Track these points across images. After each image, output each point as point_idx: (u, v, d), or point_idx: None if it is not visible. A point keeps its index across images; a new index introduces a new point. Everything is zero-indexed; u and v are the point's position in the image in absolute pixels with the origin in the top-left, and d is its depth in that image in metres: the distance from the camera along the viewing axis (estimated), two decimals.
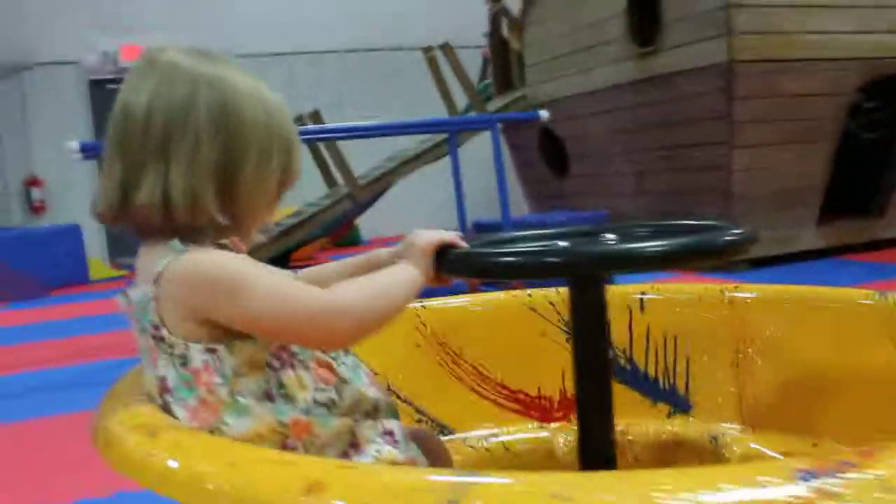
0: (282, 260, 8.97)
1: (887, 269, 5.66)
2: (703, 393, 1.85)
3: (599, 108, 7.26)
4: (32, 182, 11.37)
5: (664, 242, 1.20)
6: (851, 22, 6.06)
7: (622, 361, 1.88)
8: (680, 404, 1.87)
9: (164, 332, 1.11)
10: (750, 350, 1.77)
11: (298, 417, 1.15)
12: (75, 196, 11.52)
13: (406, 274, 1.26)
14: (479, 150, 9.33)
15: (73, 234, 9.10)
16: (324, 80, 12.43)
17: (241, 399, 1.13)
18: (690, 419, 1.85)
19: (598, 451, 1.41)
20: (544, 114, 5.97)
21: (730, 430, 1.79)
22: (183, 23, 11.91)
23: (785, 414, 1.75)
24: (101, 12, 11.68)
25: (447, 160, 6.86)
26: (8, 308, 7.44)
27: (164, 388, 1.13)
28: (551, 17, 7.88)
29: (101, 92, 11.73)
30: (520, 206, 9.44)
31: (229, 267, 1.11)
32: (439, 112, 9.22)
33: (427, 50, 8.53)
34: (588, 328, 1.40)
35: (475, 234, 7.31)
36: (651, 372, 1.88)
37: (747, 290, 1.81)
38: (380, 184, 7.79)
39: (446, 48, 8.30)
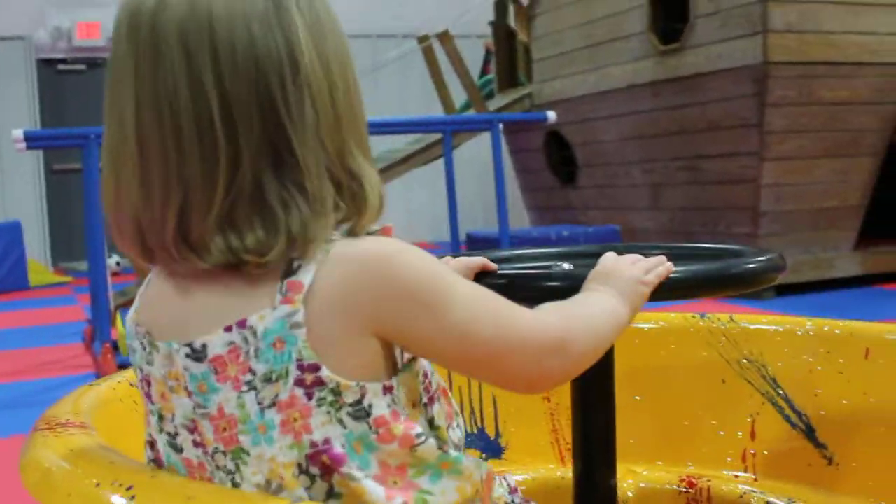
0: None
1: None
2: (515, 434, 1.84)
3: (614, 111, 7.28)
4: None
5: (679, 269, 1.21)
6: None
7: None
8: (491, 449, 1.85)
9: (325, 373, 0.86)
10: None
11: (489, 469, 0.99)
12: (15, 189, 11.44)
13: (613, 306, 1.09)
14: (476, 153, 9.37)
15: (11, 232, 9.04)
16: None
17: (452, 453, 0.94)
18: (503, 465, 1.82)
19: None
20: (552, 115, 5.98)
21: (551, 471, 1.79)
22: None
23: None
24: None
25: (439, 164, 6.86)
26: None
27: (326, 462, 0.87)
28: (564, 7, 7.90)
29: (52, 73, 11.68)
30: (520, 218, 9.46)
31: (429, 265, 0.91)
32: (433, 109, 9.24)
33: (422, 39, 8.55)
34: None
35: (467, 247, 7.32)
36: None
37: None
38: None
39: (444, 37, 8.31)
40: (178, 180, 0.85)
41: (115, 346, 4.50)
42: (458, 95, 8.92)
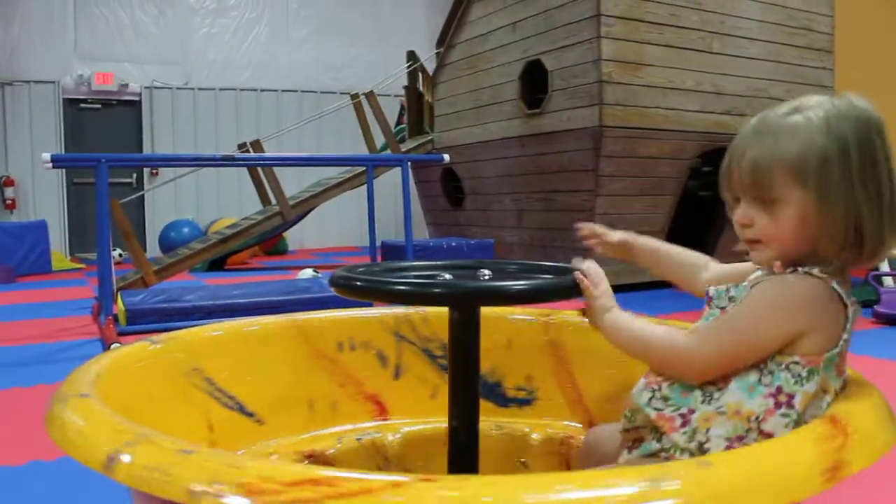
0: (220, 263, 8.82)
1: None
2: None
3: (492, 155, 7.33)
4: (7, 182, 10.93)
5: (525, 283, 1.23)
6: (695, 103, 6.26)
7: None
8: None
9: None
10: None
11: None
12: (43, 196, 11.15)
13: None
14: (391, 181, 9.36)
15: (39, 228, 8.76)
16: (265, 114, 12.29)
17: None
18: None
19: (468, 448, 1.42)
20: (446, 157, 6.00)
21: None
22: (150, 57, 11.65)
23: None
24: (80, 41, 11.33)
25: (364, 188, 6.85)
26: None
27: None
28: (459, 78, 7.95)
29: (74, 110, 11.37)
30: (422, 231, 9.48)
31: None
32: (360, 148, 9.22)
33: (354, 96, 8.52)
34: (464, 344, 1.41)
35: (382, 252, 7.31)
36: None
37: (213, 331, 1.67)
38: (306, 205, 7.74)
39: (370, 95, 8.30)
40: (842, 223, 1.06)
41: (116, 319, 4.38)
42: (379, 139, 8.91)
